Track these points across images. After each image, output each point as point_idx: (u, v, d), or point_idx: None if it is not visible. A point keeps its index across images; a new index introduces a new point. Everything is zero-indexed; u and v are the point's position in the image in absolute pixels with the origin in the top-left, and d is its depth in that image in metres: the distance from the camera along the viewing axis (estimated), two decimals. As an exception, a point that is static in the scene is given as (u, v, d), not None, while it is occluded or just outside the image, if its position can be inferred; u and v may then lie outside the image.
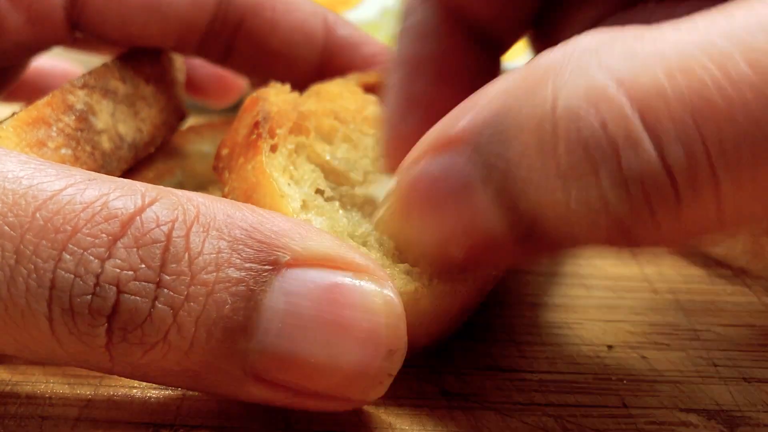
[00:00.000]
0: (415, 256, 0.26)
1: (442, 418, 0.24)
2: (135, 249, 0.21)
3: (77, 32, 0.34)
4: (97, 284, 0.21)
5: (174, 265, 0.21)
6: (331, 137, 0.31)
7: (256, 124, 0.29)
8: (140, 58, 0.35)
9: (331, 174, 0.30)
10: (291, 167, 0.29)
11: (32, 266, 0.21)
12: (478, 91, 0.23)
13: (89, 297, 0.21)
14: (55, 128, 0.29)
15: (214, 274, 0.21)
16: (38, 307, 0.21)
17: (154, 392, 0.25)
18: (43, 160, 0.22)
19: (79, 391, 0.25)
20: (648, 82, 0.20)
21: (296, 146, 0.30)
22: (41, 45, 0.34)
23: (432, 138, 0.24)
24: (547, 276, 0.34)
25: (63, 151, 0.29)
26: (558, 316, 0.31)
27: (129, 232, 0.21)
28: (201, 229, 0.21)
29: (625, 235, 0.21)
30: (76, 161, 0.29)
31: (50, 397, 0.25)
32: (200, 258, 0.21)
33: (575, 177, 0.21)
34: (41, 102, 0.29)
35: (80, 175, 0.22)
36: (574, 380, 0.27)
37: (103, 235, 0.21)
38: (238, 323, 0.21)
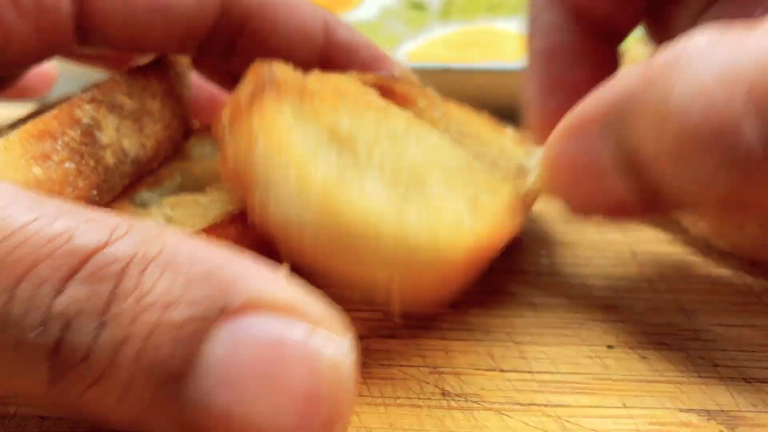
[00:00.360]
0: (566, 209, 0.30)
1: (441, 418, 0.24)
2: (86, 285, 0.20)
3: (82, 41, 0.34)
4: (46, 319, 0.20)
5: (119, 304, 0.20)
6: (335, 111, 0.31)
7: (262, 85, 0.29)
8: (148, 73, 0.35)
9: (336, 141, 0.30)
10: (299, 124, 0.28)
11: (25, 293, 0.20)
12: (605, 83, 0.28)
13: (36, 332, 0.20)
14: (60, 142, 0.29)
15: (158, 315, 0.20)
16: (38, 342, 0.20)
17: (154, 392, 0.25)
18: (20, 188, 0.22)
19: (79, 392, 0.25)
20: (753, 70, 0.23)
21: (302, 112, 0.30)
22: (47, 54, 0.33)
23: (568, 121, 0.28)
24: (547, 276, 0.34)
25: (67, 165, 0.29)
26: (558, 316, 0.31)
27: (85, 268, 0.20)
28: (158, 269, 0.21)
29: (734, 205, 0.25)
30: (79, 175, 0.29)
31: (50, 398, 0.25)
32: (147, 297, 0.20)
33: (686, 158, 0.24)
34: (49, 115, 0.29)
35: (55, 206, 0.21)
36: (574, 380, 0.27)
37: (61, 269, 0.20)
38: (175, 370, 0.20)
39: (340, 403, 0.20)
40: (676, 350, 0.28)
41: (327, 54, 0.37)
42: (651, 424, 0.24)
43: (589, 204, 0.29)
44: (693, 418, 0.25)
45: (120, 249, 0.21)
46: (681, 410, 0.25)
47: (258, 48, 0.36)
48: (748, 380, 0.27)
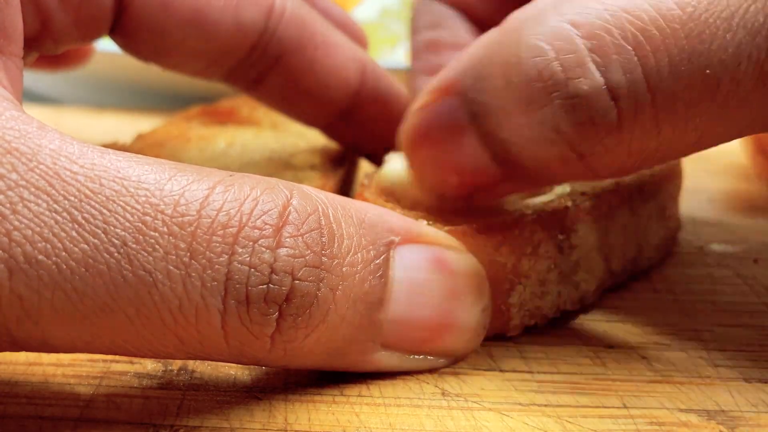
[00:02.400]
0: (422, 191, 0.30)
1: (441, 418, 0.24)
2: (299, 237, 0.23)
3: (113, 39, 0.34)
4: (272, 273, 0.22)
5: (330, 250, 0.23)
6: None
7: None
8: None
9: None
10: None
11: (206, 262, 0.22)
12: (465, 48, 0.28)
13: (265, 286, 0.22)
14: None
15: (358, 255, 0.24)
16: (213, 302, 0.22)
17: (154, 392, 0.25)
18: (171, 162, 0.23)
19: (79, 391, 0.25)
20: (596, 20, 0.24)
21: None
22: (83, 42, 0.33)
23: (428, 88, 0.28)
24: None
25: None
26: (559, 317, 0.31)
27: (290, 222, 0.23)
28: (339, 217, 0.24)
29: (579, 159, 0.25)
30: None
31: (50, 397, 0.25)
32: (345, 242, 0.24)
33: (534, 104, 0.25)
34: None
35: (217, 173, 0.23)
36: (574, 380, 0.27)
37: (268, 226, 0.23)
38: (376, 297, 0.24)
39: (486, 294, 0.27)
40: (676, 350, 0.28)
41: (359, 100, 0.37)
42: (651, 424, 0.24)
43: (448, 172, 0.28)
44: (693, 418, 0.25)
45: (303, 203, 0.24)
46: (681, 410, 0.25)
47: (289, 84, 0.36)
48: (748, 380, 0.27)
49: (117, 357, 0.27)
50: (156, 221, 0.22)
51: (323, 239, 0.23)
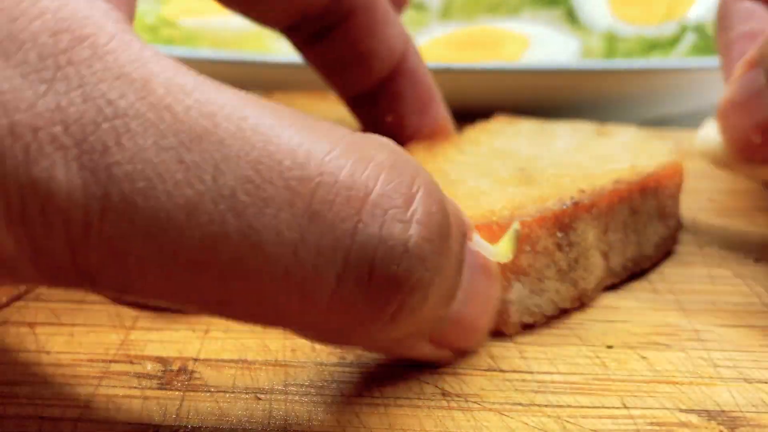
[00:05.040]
0: (731, 155, 0.35)
1: (441, 418, 0.24)
2: (432, 217, 0.21)
3: None
4: (405, 252, 0.20)
5: (448, 240, 0.22)
6: None
7: None
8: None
9: None
10: None
11: (326, 227, 0.19)
12: None
13: (396, 266, 0.20)
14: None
15: (448, 245, 0.22)
16: (327, 273, 0.20)
17: (154, 392, 0.25)
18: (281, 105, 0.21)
19: (79, 392, 0.25)
20: None
21: None
22: None
23: (738, 65, 0.34)
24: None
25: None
26: (558, 316, 0.31)
27: (419, 200, 0.21)
28: (447, 204, 0.23)
29: None
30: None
31: (50, 397, 0.25)
32: (431, 228, 0.22)
33: None
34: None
35: (341, 130, 0.21)
36: (574, 380, 0.27)
37: (399, 196, 0.20)
38: (452, 293, 0.23)
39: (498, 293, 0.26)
40: (676, 350, 0.28)
41: (392, 75, 0.37)
42: (651, 424, 0.24)
43: (753, 131, 0.33)
44: (693, 418, 0.25)
45: (428, 187, 0.21)
46: (681, 410, 0.25)
47: (348, 45, 0.36)
48: (748, 380, 0.27)
49: (117, 357, 0.27)
50: (272, 173, 0.19)
51: (444, 228, 0.21)
